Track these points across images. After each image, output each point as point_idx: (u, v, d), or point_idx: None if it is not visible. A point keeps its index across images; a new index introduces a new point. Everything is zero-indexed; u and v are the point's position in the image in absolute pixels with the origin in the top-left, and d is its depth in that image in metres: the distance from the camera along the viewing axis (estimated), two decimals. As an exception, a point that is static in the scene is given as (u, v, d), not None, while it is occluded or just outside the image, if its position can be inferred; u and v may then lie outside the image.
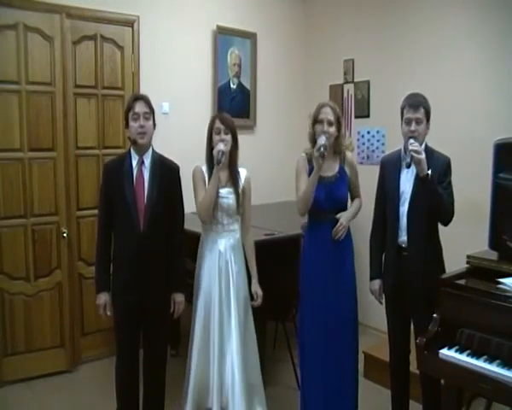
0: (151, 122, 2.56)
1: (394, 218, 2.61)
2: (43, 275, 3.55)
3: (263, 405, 2.80)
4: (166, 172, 2.61)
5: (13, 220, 3.42)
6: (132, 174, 2.54)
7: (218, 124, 2.68)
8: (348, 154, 2.81)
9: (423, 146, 2.54)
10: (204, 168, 2.75)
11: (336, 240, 2.68)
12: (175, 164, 2.69)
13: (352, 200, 2.85)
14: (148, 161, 2.58)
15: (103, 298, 2.58)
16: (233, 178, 2.74)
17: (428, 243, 2.57)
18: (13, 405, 3.22)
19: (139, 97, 2.58)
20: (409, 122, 2.51)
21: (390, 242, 2.66)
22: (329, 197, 2.68)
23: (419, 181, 2.46)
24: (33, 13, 3.39)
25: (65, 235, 3.58)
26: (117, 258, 2.59)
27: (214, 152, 2.59)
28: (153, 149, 2.63)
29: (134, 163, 2.56)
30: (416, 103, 2.51)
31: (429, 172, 2.39)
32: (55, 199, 3.57)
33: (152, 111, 2.58)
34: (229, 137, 2.67)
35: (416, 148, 2.38)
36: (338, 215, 2.69)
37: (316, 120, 2.70)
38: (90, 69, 3.70)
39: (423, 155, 2.38)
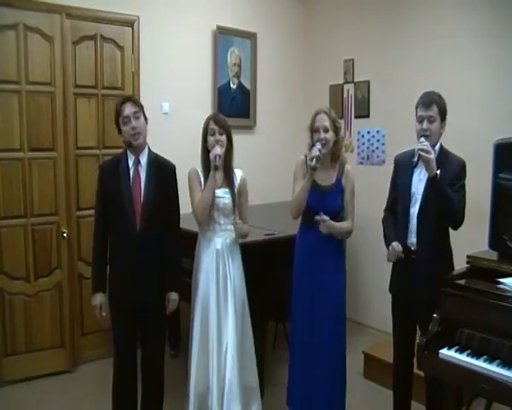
0: (142, 119, 2.53)
1: (404, 218, 2.58)
2: (43, 275, 3.55)
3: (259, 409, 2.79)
4: (163, 171, 2.60)
5: (13, 220, 3.42)
6: (129, 174, 2.52)
7: (212, 125, 2.67)
8: (347, 167, 2.77)
9: (438, 146, 2.51)
10: (199, 170, 2.73)
11: (324, 235, 2.65)
12: (171, 163, 2.67)
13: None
14: (144, 160, 2.56)
15: (99, 299, 2.56)
16: (228, 179, 2.73)
17: (438, 246, 2.53)
18: (13, 405, 3.21)
19: (125, 100, 2.55)
20: (421, 120, 2.47)
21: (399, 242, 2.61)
22: (322, 205, 2.67)
23: (428, 181, 2.44)
24: (33, 13, 3.39)
25: (65, 235, 3.58)
26: (114, 258, 2.58)
27: (211, 156, 2.58)
28: (149, 149, 2.61)
29: (130, 163, 2.54)
30: (429, 101, 2.47)
31: (438, 172, 2.36)
32: (55, 199, 3.57)
33: (141, 108, 2.54)
34: (224, 138, 2.66)
35: (424, 147, 2.35)
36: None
37: (312, 129, 2.69)
38: (90, 69, 3.70)
39: (432, 155, 2.35)
